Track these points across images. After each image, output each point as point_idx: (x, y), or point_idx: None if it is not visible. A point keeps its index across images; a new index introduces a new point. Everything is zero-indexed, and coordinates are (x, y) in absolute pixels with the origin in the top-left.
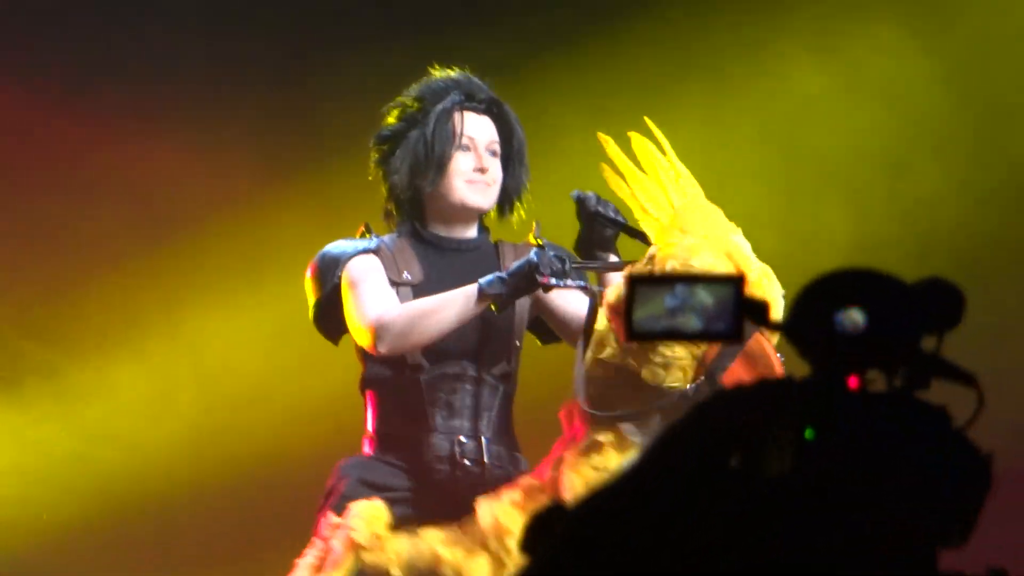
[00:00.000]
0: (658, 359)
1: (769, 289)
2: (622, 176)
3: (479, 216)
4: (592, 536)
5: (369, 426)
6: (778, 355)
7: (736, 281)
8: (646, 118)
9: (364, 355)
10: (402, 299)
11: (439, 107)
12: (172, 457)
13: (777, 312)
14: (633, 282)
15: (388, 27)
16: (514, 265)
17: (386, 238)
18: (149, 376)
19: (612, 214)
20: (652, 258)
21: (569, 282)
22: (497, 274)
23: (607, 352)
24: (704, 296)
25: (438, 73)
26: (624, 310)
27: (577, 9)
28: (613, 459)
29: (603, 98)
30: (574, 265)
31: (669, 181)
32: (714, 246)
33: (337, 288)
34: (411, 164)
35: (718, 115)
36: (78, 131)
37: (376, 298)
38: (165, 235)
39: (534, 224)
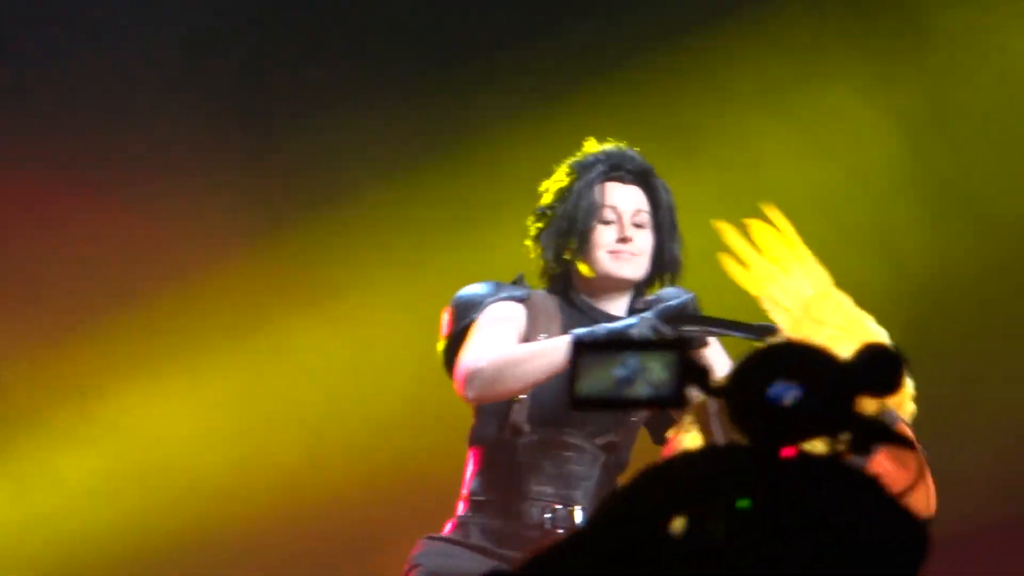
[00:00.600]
0: None
1: (907, 383)
2: (744, 265)
3: (631, 290)
4: None
5: (465, 487)
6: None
7: (679, 348)
8: (770, 205)
9: (474, 409)
10: None
11: (584, 180)
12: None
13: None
14: (577, 350)
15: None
16: (631, 316)
17: (539, 292)
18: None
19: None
20: None
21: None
22: (602, 324)
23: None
24: (654, 365)
25: (592, 147)
26: (569, 377)
27: (546, 77)
28: None
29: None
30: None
31: (795, 268)
32: (852, 335)
33: (473, 322)
34: (556, 239)
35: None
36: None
37: (486, 344)
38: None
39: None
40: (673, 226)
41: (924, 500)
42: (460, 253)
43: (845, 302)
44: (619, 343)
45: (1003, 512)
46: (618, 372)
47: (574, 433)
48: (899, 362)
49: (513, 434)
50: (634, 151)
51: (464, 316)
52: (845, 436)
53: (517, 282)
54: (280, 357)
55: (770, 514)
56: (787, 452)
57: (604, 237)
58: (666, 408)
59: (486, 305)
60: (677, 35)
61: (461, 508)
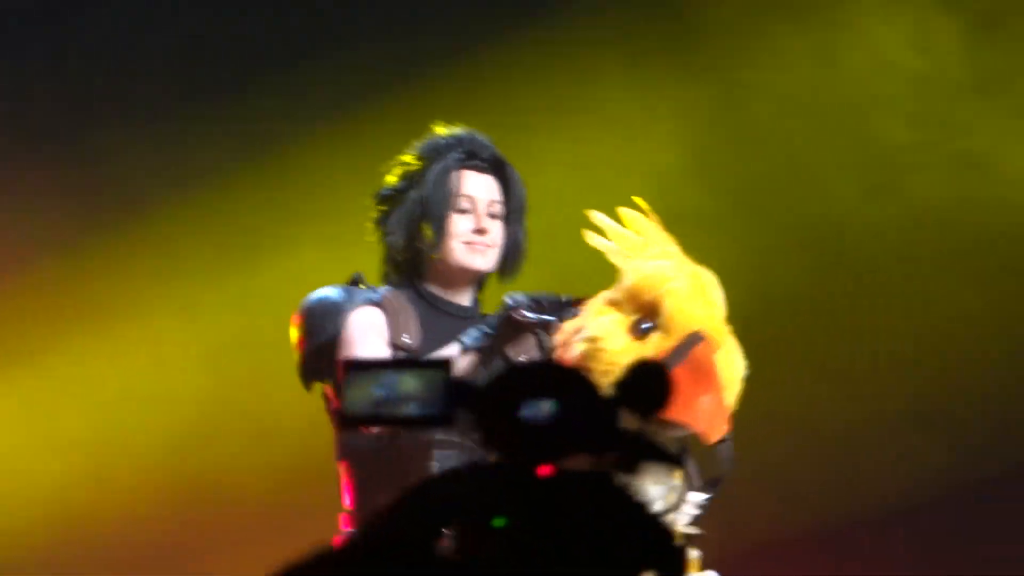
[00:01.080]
0: (601, 366)
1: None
2: (603, 234)
3: (478, 281)
4: None
5: (346, 500)
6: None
7: (444, 366)
8: (635, 198)
9: (340, 421)
10: None
11: (438, 166)
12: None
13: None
14: (347, 368)
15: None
16: (492, 316)
17: (386, 291)
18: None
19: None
20: (618, 271)
21: (547, 317)
22: (478, 327)
23: None
24: (412, 384)
25: (441, 130)
26: (340, 393)
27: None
28: None
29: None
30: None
31: (651, 232)
32: (682, 267)
33: (336, 338)
34: (407, 226)
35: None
36: None
37: (367, 334)
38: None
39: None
40: (522, 216)
41: (712, 420)
42: (258, 266)
43: (698, 268)
44: (387, 362)
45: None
46: (377, 391)
47: (451, 429)
48: (664, 380)
49: (391, 439)
50: (487, 138)
51: (321, 326)
52: (611, 454)
53: (357, 282)
54: (64, 377)
55: (525, 533)
56: (544, 470)
57: (459, 227)
58: (435, 427)
59: (345, 314)
60: (465, 48)
61: (345, 523)
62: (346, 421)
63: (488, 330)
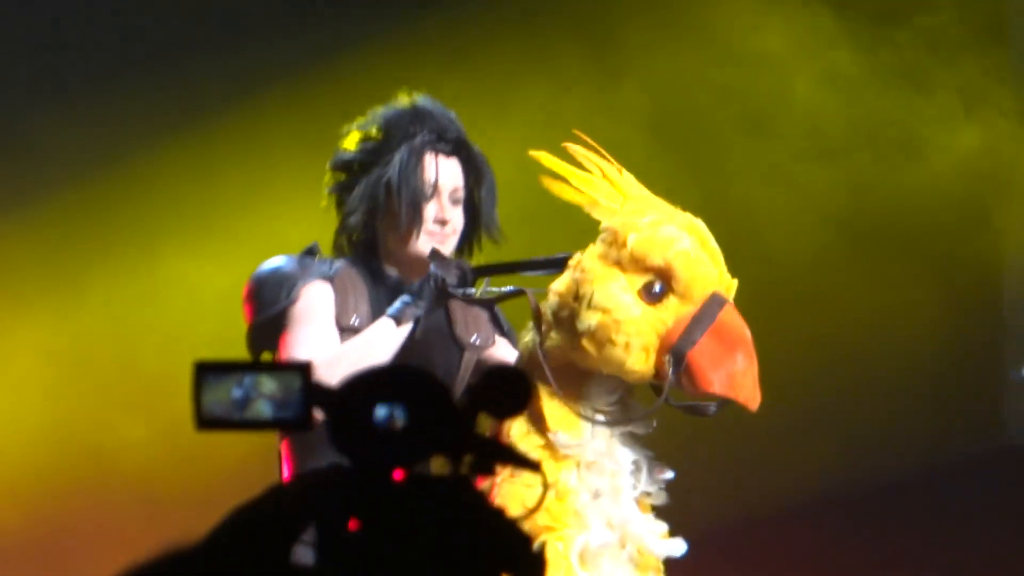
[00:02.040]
0: (620, 338)
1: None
2: (565, 180)
3: None
4: None
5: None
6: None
7: (303, 369)
8: (576, 131)
9: (195, 424)
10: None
11: (406, 147)
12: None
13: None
14: (200, 369)
15: None
16: (415, 284)
17: (340, 266)
18: None
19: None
20: (614, 232)
21: (471, 291)
22: (401, 298)
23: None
24: (270, 385)
25: (405, 99)
26: (192, 396)
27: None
28: (549, 471)
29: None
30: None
31: (616, 177)
32: (675, 221)
33: (286, 311)
34: (370, 206)
35: None
36: None
37: (315, 343)
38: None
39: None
40: (493, 199)
41: (744, 385)
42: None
43: (665, 204)
44: (243, 364)
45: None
46: (235, 392)
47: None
48: (523, 382)
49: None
50: (451, 112)
51: (272, 299)
52: (468, 457)
53: (312, 252)
54: None
55: (377, 536)
56: (397, 475)
57: (428, 212)
58: (291, 430)
59: (296, 288)
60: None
61: None
62: (201, 423)
63: (408, 300)
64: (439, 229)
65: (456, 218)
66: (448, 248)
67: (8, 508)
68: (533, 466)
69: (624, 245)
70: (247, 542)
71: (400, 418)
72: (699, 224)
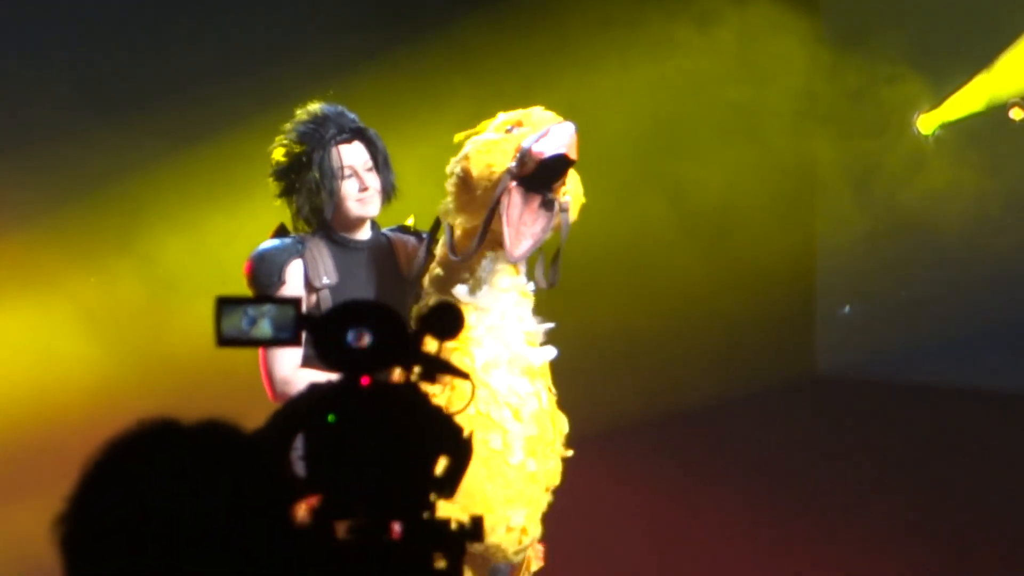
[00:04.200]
0: (481, 158)
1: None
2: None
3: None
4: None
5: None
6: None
7: (295, 302)
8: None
9: (216, 342)
10: (322, 303)
11: (320, 151)
12: None
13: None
14: (220, 302)
15: None
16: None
17: (307, 239)
18: None
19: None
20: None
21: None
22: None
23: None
24: (271, 313)
25: (312, 108)
26: (213, 321)
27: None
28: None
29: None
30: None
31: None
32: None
33: (280, 285)
34: (311, 201)
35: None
36: None
37: (287, 354)
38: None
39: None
40: (388, 164)
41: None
42: None
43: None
44: (251, 299)
45: None
46: (245, 318)
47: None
48: (457, 315)
49: None
50: (343, 109)
51: (267, 281)
52: (417, 368)
53: (284, 232)
54: None
55: (348, 424)
56: (365, 381)
57: (349, 189)
58: (287, 346)
59: (281, 271)
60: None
61: None
62: (220, 342)
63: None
64: (363, 195)
65: (373, 182)
66: (376, 206)
67: None
68: (463, 374)
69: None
70: (270, 436)
71: (366, 338)
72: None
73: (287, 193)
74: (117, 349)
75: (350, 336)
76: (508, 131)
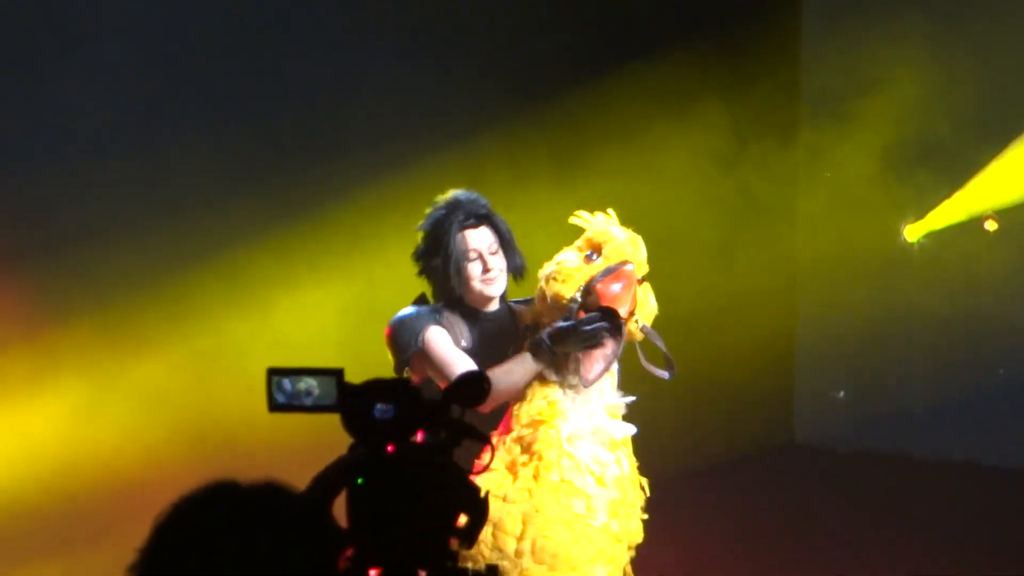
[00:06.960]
0: (560, 277)
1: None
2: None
3: (500, 296)
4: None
5: None
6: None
7: (337, 374)
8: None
9: (269, 408)
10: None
11: (448, 236)
12: None
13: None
14: (270, 372)
15: None
16: (539, 337)
17: (443, 309)
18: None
19: None
20: (586, 237)
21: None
22: (531, 343)
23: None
24: (314, 384)
25: (443, 197)
26: (266, 390)
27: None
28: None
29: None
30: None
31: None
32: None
33: (416, 352)
34: (442, 280)
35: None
36: None
37: (462, 362)
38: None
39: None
40: (514, 247)
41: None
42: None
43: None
44: (297, 369)
45: None
46: (289, 388)
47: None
48: (482, 383)
49: None
50: (475, 194)
51: (405, 345)
52: (443, 434)
53: (422, 300)
54: None
55: (375, 487)
56: (390, 448)
57: (474, 271)
58: (328, 412)
59: (419, 336)
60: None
61: None
62: (271, 408)
63: (538, 343)
64: (488, 276)
65: (498, 264)
66: (500, 287)
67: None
68: (483, 437)
69: (584, 235)
70: (314, 491)
71: (389, 412)
72: (636, 235)
73: (424, 273)
74: (168, 419)
75: (376, 410)
76: (588, 257)
